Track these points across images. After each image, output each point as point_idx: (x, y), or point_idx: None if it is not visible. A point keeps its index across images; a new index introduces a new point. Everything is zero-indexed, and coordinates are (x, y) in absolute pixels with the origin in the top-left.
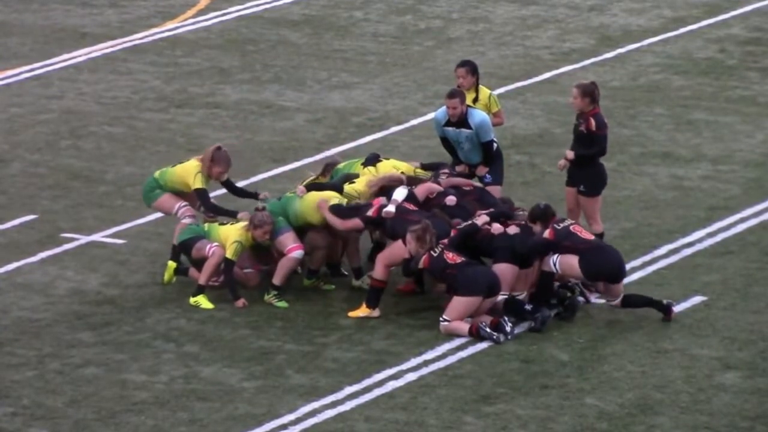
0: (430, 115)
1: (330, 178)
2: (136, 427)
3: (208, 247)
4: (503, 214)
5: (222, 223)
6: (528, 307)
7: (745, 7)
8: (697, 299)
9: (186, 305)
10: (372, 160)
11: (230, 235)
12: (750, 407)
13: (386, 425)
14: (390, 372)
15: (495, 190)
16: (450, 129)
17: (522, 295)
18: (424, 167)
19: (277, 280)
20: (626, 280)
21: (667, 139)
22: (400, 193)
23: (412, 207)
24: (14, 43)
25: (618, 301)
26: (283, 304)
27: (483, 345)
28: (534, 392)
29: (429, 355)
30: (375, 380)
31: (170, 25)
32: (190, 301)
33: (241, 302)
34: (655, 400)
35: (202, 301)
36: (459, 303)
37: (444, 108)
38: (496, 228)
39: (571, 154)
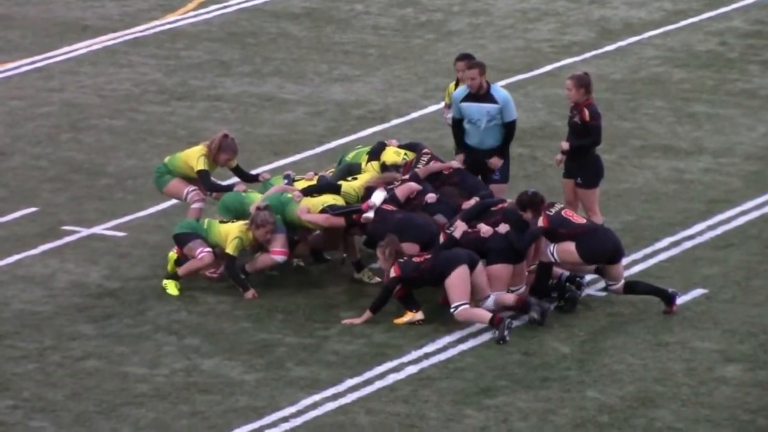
0: (432, 108)
1: (337, 164)
2: (137, 419)
3: (199, 250)
4: (485, 207)
5: (222, 221)
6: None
7: (746, 0)
8: (698, 292)
9: (187, 298)
10: (377, 151)
11: (231, 232)
12: (751, 400)
13: (387, 418)
14: (391, 364)
15: (500, 189)
16: (470, 104)
17: (521, 289)
18: (401, 147)
19: (249, 267)
20: (627, 273)
21: (667, 132)
22: (378, 197)
23: (391, 208)
24: (15, 35)
25: (620, 285)
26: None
27: (484, 337)
28: (535, 385)
29: (430, 348)
30: (376, 373)
31: (171, 17)
32: (162, 283)
33: (250, 293)
34: (656, 393)
35: (169, 286)
36: (452, 283)
37: (462, 86)
38: (486, 230)
39: (565, 145)
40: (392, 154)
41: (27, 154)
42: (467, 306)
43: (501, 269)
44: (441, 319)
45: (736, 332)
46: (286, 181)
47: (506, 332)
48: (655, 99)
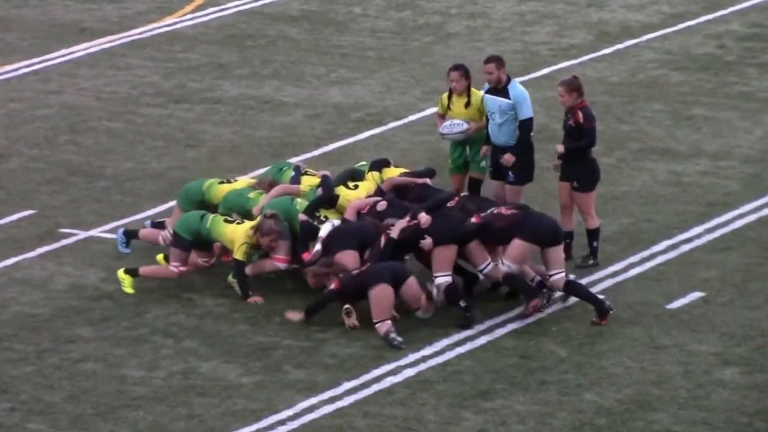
0: (429, 111)
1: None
2: (134, 422)
3: (177, 263)
4: (440, 202)
5: (227, 220)
6: (462, 303)
7: (744, 3)
8: (696, 295)
9: (184, 301)
10: (379, 164)
11: (237, 237)
12: (748, 403)
13: (384, 421)
14: (388, 367)
15: (514, 191)
16: (489, 96)
17: (506, 266)
18: (413, 174)
19: (250, 270)
20: (624, 276)
21: (665, 134)
22: (324, 230)
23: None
24: (13, 38)
25: (561, 278)
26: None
27: (481, 340)
28: (532, 388)
29: (427, 351)
30: (373, 376)
31: (169, 20)
32: (118, 273)
33: (253, 300)
34: (653, 395)
35: (126, 281)
36: (372, 299)
37: None
38: (425, 221)
39: (561, 148)
40: (395, 174)
41: (25, 156)
42: (384, 323)
43: (443, 250)
44: (438, 322)
45: (733, 335)
46: (294, 173)
47: (395, 342)
48: (653, 102)
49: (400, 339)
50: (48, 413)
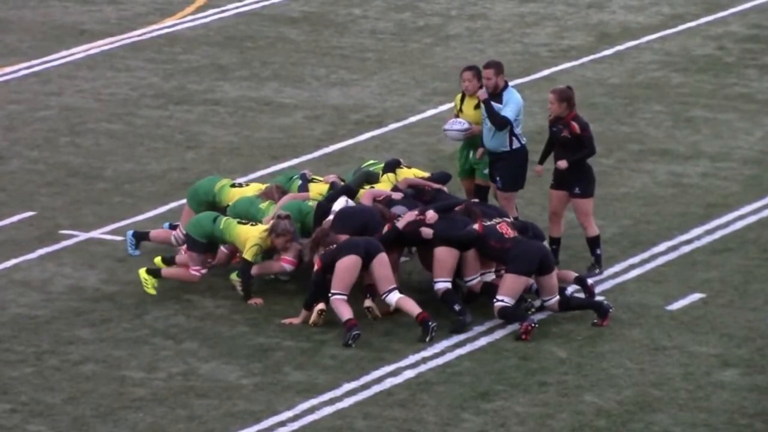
0: (429, 113)
1: (353, 174)
2: (134, 424)
3: (197, 267)
4: (448, 207)
5: (241, 222)
6: (457, 307)
7: (744, 5)
8: (696, 296)
9: (184, 302)
10: (392, 165)
11: (250, 237)
12: (748, 404)
13: (384, 422)
14: (388, 369)
15: (503, 197)
16: None
17: (490, 276)
18: (429, 179)
19: (256, 270)
20: (625, 277)
21: (665, 136)
22: (339, 204)
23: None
24: (13, 39)
25: (555, 301)
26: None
27: (481, 342)
28: (532, 389)
29: (427, 352)
30: (373, 377)
31: (169, 22)
32: (140, 272)
33: (253, 301)
34: (653, 397)
35: (149, 282)
36: (336, 270)
37: None
38: (431, 217)
39: (564, 164)
40: (409, 175)
41: (25, 158)
42: (340, 297)
43: (447, 254)
44: (437, 323)
45: (733, 337)
46: (301, 181)
47: (350, 340)
48: (653, 103)
49: (353, 339)
50: (48, 415)
